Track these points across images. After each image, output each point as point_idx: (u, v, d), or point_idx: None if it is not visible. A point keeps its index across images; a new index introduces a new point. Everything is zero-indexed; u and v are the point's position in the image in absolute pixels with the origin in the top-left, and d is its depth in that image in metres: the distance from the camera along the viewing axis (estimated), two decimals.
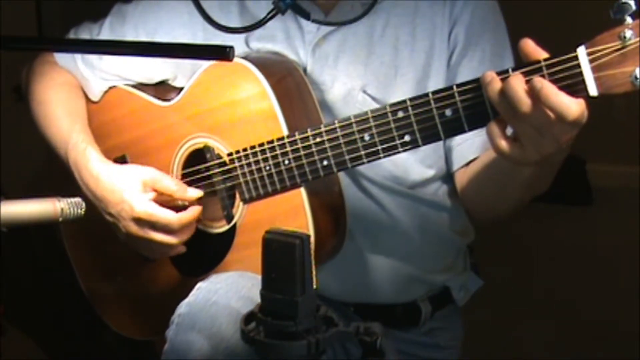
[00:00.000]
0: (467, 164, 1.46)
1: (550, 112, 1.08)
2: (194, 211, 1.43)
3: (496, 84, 1.12)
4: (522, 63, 1.13)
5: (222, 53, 1.04)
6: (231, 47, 1.03)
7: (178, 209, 1.43)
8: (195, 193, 1.44)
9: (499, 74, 1.14)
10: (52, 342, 2.16)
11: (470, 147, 1.44)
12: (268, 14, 1.26)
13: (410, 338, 1.55)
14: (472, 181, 1.45)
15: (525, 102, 1.09)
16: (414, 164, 1.47)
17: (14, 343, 2.07)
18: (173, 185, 1.43)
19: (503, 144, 1.15)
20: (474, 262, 1.64)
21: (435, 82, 1.45)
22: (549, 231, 2.81)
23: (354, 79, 1.46)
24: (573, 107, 1.08)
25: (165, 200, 1.44)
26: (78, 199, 1.10)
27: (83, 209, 1.11)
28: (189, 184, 1.47)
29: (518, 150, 1.14)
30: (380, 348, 0.92)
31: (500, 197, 1.40)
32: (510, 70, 1.13)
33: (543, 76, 1.10)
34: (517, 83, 1.09)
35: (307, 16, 1.35)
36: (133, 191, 1.41)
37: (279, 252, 0.88)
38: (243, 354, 1.21)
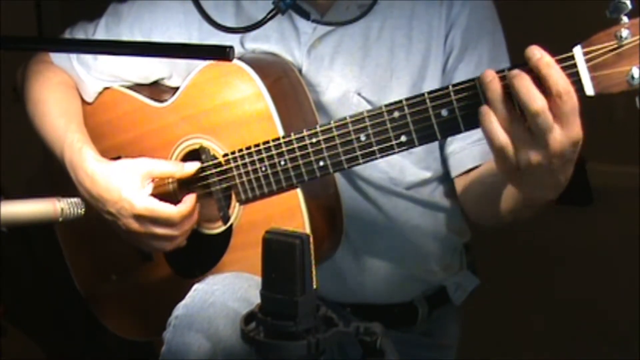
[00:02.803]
0: (465, 172, 1.46)
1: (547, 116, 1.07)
2: (190, 201, 1.42)
3: (497, 83, 1.11)
4: (518, 63, 1.13)
5: (222, 53, 1.03)
6: (231, 47, 1.02)
7: (175, 202, 1.44)
8: (192, 166, 1.44)
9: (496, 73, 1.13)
10: (52, 342, 2.16)
11: (468, 156, 1.44)
12: (268, 14, 1.26)
13: (407, 338, 1.55)
14: (469, 193, 1.45)
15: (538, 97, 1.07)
16: (409, 166, 1.47)
17: (14, 343, 2.07)
18: (170, 167, 1.43)
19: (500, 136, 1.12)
20: (470, 261, 1.64)
21: (431, 85, 1.45)
22: (549, 231, 2.81)
23: (349, 81, 1.46)
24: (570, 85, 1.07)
25: (163, 192, 1.44)
26: (78, 199, 1.10)
27: (83, 209, 1.11)
28: (185, 184, 1.47)
29: (512, 154, 1.11)
30: (380, 348, 0.92)
31: (495, 211, 1.38)
32: (506, 70, 1.12)
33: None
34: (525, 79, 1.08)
35: (307, 16, 1.35)
36: (131, 188, 1.41)
37: (279, 252, 0.88)
38: (241, 354, 1.21)
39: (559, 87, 1.06)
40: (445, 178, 1.52)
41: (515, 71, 1.09)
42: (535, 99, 1.06)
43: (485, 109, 1.11)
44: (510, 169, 1.13)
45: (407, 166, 1.47)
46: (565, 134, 1.07)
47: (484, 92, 1.13)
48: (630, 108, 1.10)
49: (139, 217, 1.41)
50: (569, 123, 1.07)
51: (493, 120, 1.10)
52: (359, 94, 1.45)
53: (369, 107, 1.41)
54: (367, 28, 1.45)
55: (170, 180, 1.48)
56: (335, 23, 1.43)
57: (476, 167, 1.45)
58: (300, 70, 1.46)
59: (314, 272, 0.90)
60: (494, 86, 1.11)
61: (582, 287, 2.65)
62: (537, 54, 1.07)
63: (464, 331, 1.66)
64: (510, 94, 1.10)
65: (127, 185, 1.41)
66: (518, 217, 1.35)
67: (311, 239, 0.89)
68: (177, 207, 1.41)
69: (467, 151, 1.44)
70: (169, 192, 1.48)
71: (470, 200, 1.46)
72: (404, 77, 1.45)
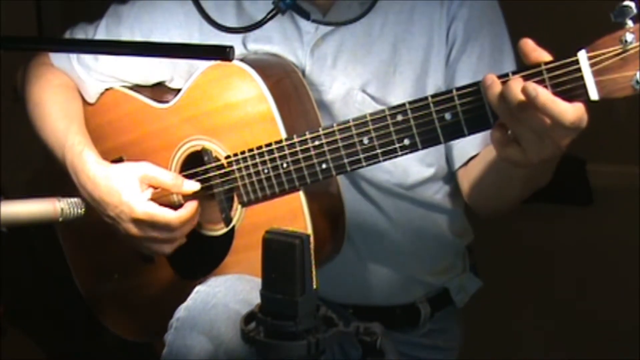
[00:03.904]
0: (468, 161, 1.46)
1: (547, 119, 1.08)
2: (191, 207, 1.42)
3: (496, 87, 1.11)
4: (523, 66, 1.13)
5: (222, 53, 1.03)
6: (231, 47, 1.02)
7: (176, 206, 1.43)
8: (191, 186, 1.43)
9: (499, 77, 1.13)
10: (52, 342, 2.16)
11: (471, 144, 1.44)
12: (268, 14, 1.26)
13: (409, 339, 1.55)
14: (473, 181, 1.45)
15: (524, 106, 1.09)
16: (413, 164, 1.47)
17: (14, 343, 2.07)
18: (169, 180, 1.43)
19: (507, 149, 1.15)
20: (473, 263, 1.64)
21: (434, 79, 1.45)
22: (549, 231, 2.81)
23: (353, 78, 1.46)
24: (570, 112, 1.07)
25: (163, 196, 1.44)
26: (78, 199, 1.10)
27: (83, 209, 1.11)
28: None
29: (520, 154, 1.14)
30: (380, 348, 0.92)
31: (502, 194, 1.40)
32: (510, 74, 1.13)
33: (544, 80, 1.10)
34: (517, 87, 1.09)
35: (307, 16, 1.35)
36: (131, 192, 1.41)
37: (279, 252, 0.88)
38: (242, 356, 1.21)
39: (556, 121, 1.08)
40: (447, 179, 1.52)
41: (513, 82, 1.10)
42: (523, 107, 1.09)
43: (490, 79, 1.12)
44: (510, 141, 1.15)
45: (411, 164, 1.47)
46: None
47: (484, 95, 1.14)
48: (631, 109, 1.11)
49: (138, 222, 1.41)
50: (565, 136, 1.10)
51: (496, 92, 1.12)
52: (363, 91, 1.45)
53: (373, 104, 1.42)
54: (369, 25, 1.45)
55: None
56: (337, 23, 1.43)
57: (477, 155, 1.45)
58: (303, 70, 1.46)
59: (314, 272, 0.90)
60: (494, 90, 1.12)
61: (582, 287, 2.64)
62: (533, 92, 1.07)
63: (466, 332, 1.66)
64: None
65: (127, 189, 1.41)
66: (523, 192, 1.36)
67: (311, 239, 0.89)
68: (177, 213, 1.41)
69: (470, 138, 1.43)
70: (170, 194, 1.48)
71: (477, 188, 1.46)
72: (407, 72, 1.46)
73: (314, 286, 0.90)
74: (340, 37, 1.46)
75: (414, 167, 1.47)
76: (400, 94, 1.43)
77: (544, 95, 1.07)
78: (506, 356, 2.38)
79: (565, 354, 2.42)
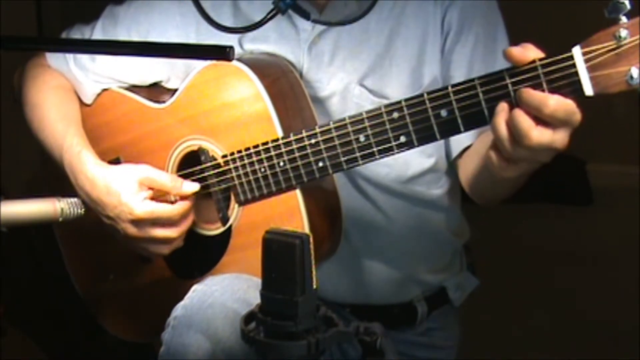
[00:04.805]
0: (464, 151, 1.46)
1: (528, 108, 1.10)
2: (188, 201, 1.43)
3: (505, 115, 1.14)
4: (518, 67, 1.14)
5: (222, 53, 1.03)
6: (231, 47, 1.02)
7: (172, 202, 1.44)
8: (191, 187, 1.43)
9: (493, 74, 1.14)
10: (52, 342, 2.16)
11: (466, 134, 1.44)
12: (268, 14, 1.26)
13: (406, 338, 1.55)
14: (470, 173, 1.46)
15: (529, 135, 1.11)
16: (414, 155, 1.46)
17: (14, 343, 2.07)
18: (168, 182, 1.43)
19: (505, 168, 1.18)
20: (470, 261, 1.64)
21: (430, 70, 1.45)
22: (549, 231, 2.81)
23: (350, 73, 1.46)
24: (551, 101, 1.09)
25: (160, 196, 1.44)
26: (78, 199, 1.11)
27: (83, 209, 1.11)
28: None
29: (516, 170, 1.17)
30: (380, 348, 0.92)
31: (497, 184, 1.40)
32: (505, 72, 1.14)
33: (539, 76, 1.11)
34: (522, 116, 1.11)
35: (307, 16, 1.35)
36: (130, 193, 1.41)
37: (279, 252, 0.88)
38: (241, 355, 1.21)
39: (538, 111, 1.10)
40: (446, 173, 1.52)
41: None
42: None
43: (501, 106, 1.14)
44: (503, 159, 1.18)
45: (412, 155, 1.46)
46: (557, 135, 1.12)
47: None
48: (630, 107, 1.11)
49: (138, 222, 1.41)
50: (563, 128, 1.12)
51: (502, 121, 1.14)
52: (361, 85, 1.45)
53: (371, 97, 1.43)
54: (365, 21, 1.45)
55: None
56: (336, 23, 1.43)
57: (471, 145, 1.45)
58: (301, 68, 1.46)
59: (314, 272, 0.90)
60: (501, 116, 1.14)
61: (582, 287, 2.65)
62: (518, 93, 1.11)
63: (464, 331, 1.66)
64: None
65: (126, 190, 1.41)
66: (519, 180, 1.37)
67: (311, 239, 0.89)
68: (176, 205, 1.41)
69: None
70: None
71: (473, 179, 1.45)
72: (403, 64, 1.46)
73: (314, 286, 0.90)
74: (337, 34, 1.46)
75: (414, 158, 1.47)
76: (397, 86, 1.44)
77: (526, 90, 1.10)
78: (505, 356, 2.38)
79: (564, 353, 2.42)
